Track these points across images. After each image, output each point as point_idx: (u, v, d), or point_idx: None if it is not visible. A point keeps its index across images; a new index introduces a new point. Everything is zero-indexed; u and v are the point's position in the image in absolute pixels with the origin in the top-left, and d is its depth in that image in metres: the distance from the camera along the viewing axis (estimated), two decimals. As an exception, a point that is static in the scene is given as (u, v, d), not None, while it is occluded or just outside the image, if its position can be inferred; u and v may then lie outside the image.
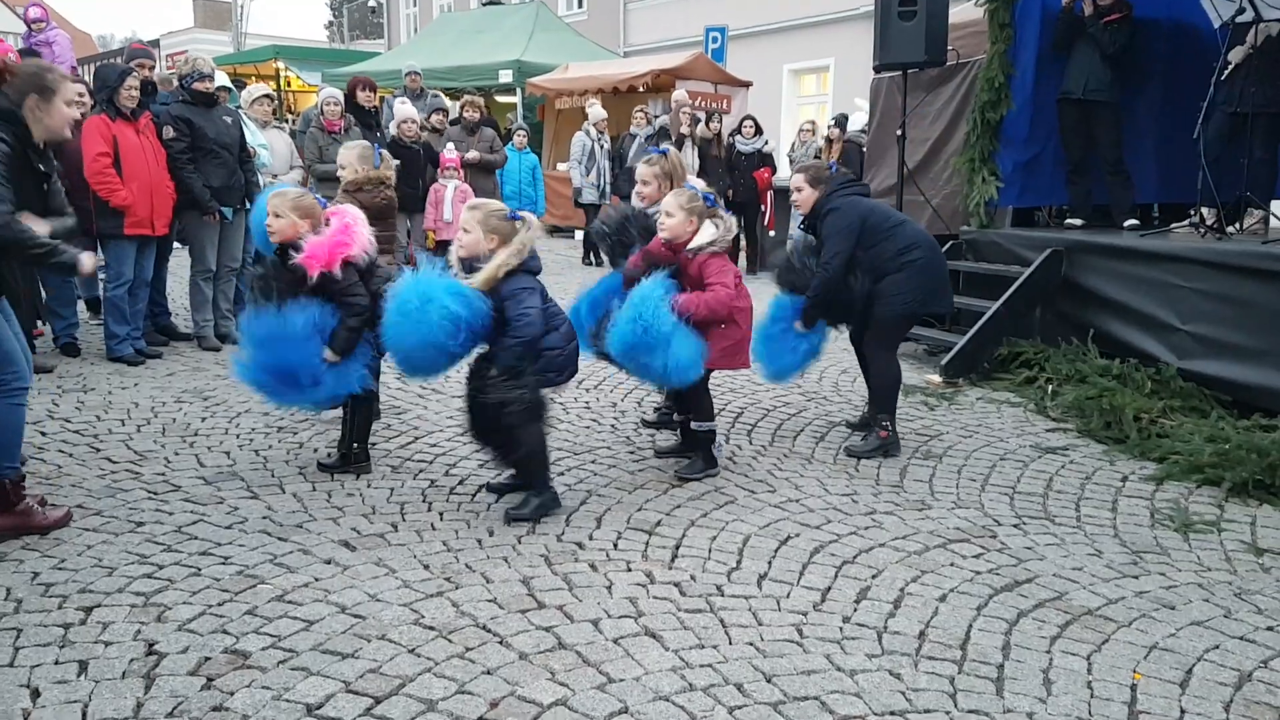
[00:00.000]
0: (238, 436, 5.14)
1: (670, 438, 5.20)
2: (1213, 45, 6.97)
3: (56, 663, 2.89)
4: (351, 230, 4.35)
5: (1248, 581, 3.68)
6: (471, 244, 3.95)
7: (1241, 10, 6.40)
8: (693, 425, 4.69)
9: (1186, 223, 6.92)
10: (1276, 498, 4.47)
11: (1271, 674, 3.02)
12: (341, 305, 4.27)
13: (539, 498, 4.09)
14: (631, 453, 5.02)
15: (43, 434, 5.06)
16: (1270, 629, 3.29)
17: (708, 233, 4.45)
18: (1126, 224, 7.46)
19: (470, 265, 3.97)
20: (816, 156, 11.68)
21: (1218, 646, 3.17)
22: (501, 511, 4.10)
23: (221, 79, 7.76)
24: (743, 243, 12.39)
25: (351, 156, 5.78)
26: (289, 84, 20.48)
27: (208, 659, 2.93)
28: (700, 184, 4.99)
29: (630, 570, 3.63)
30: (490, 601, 3.33)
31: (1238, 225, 6.77)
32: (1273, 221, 7.01)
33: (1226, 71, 6.74)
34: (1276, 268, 5.29)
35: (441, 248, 8.45)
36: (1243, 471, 4.59)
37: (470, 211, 4.02)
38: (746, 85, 15.43)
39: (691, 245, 4.45)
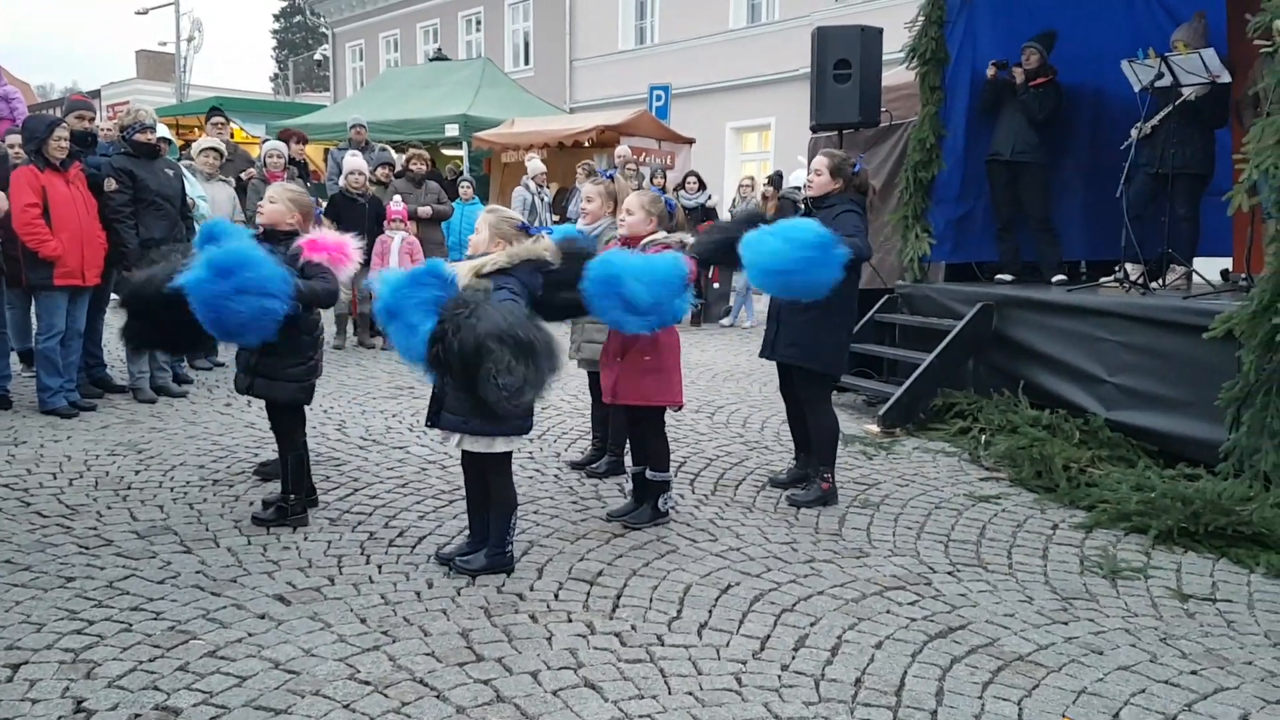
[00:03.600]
0: (171, 490, 5.06)
1: (608, 478, 5.32)
2: (1135, 109, 7.27)
3: (-22, 722, 2.82)
4: (345, 253, 4.40)
5: (1173, 627, 3.77)
6: (477, 243, 4.06)
7: (1160, 75, 6.71)
8: (648, 474, 4.72)
9: (1112, 278, 7.16)
10: (1200, 545, 4.59)
11: (1196, 717, 3.09)
12: (317, 278, 4.27)
13: (491, 559, 4.02)
14: (574, 503, 5.02)
15: (-31, 488, 4.94)
16: (1194, 673, 3.38)
17: (660, 233, 4.63)
18: (1054, 279, 7.70)
19: None
20: (757, 211, 11.87)
21: (1144, 690, 3.24)
22: (440, 562, 4.09)
23: (163, 130, 7.72)
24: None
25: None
26: (233, 135, 20.34)
27: (138, 716, 2.87)
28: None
29: (571, 621, 3.63)
30: (428, 655, 3.31)
31: (1161, 281, 7.02)
32: (1195, 278, 7.27)
33: (1144, 133, 7.02)
34: (1198, 321, 5.45)
35: None
36: (1168, 519, 4.70)
37: (485, 214, 4.14)
38: (690, 142, 15.72)
39: (646, 239, 4.58)
